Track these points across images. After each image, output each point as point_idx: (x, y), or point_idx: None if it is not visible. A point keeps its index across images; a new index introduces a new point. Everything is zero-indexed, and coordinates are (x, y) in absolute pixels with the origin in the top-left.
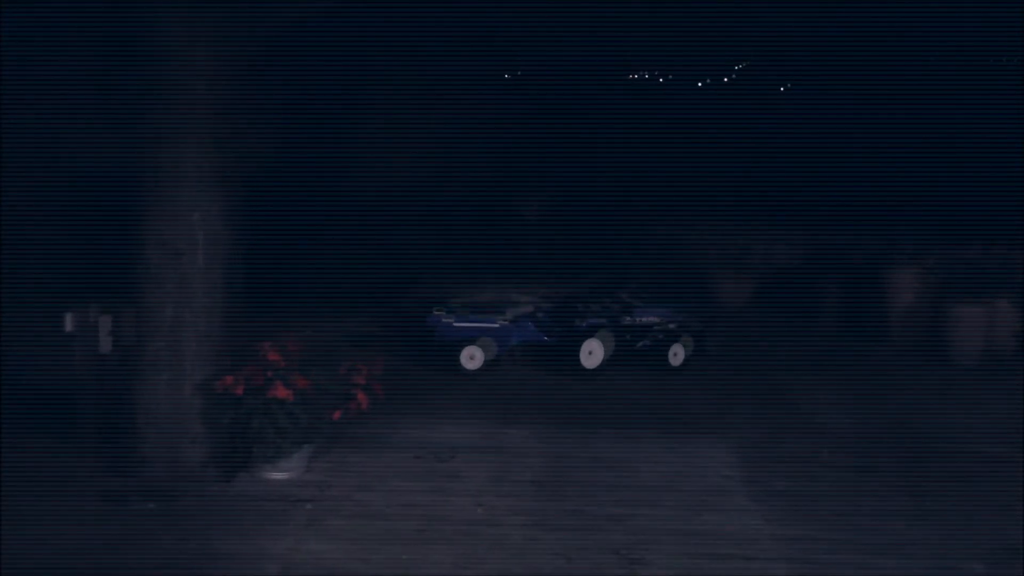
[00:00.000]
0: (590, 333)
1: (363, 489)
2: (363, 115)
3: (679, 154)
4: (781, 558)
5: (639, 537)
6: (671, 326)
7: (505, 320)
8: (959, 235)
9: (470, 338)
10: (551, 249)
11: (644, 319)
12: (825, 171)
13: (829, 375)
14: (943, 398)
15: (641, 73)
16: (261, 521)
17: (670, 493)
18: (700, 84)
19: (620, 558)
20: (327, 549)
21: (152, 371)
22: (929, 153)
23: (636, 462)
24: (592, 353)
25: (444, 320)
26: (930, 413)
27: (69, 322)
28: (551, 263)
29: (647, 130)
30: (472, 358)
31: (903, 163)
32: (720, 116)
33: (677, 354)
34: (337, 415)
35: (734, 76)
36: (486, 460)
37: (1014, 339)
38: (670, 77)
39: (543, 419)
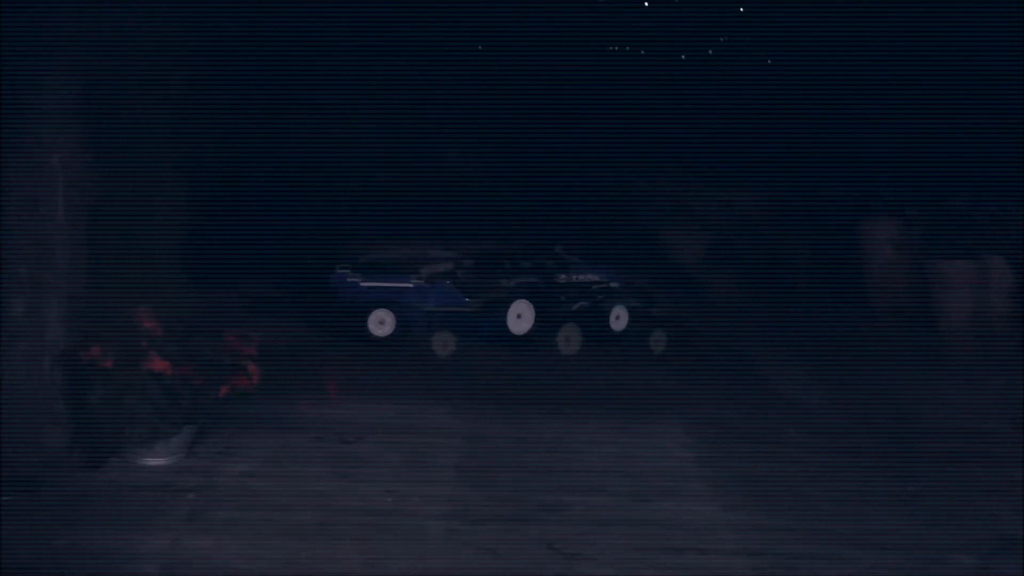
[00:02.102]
0: (519, 294)
1: (255, 476)
2: (267, 53)
3: (625, 95)
4: (742, 551)
5: (578, 528)
6: (613, 285)
7: (420, 280)
8: (944, 183)
9: (379, 300)
10: (475, 200)
11: (581, 277)
12: (791, 113)
13: (799, 343)
14: (928, 368)
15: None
16: (136, 514)
17: (615, 478)
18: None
19: (555, 552)
20: (213, 545)
21: (6, 341)
22: (907, 89)
23: (576, 443)
24: (521, 316)
25: (349, 280)
26: (913, 385)
27: None
28: (475, 216)
29: (586, 73)
30: (382, 323)
31: (878, 101)
32: (672, 56)
33: (620, 317)
34: (224, 391)
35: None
36: (399, 442)
37: (1008, 300)
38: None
39: (466, 394)
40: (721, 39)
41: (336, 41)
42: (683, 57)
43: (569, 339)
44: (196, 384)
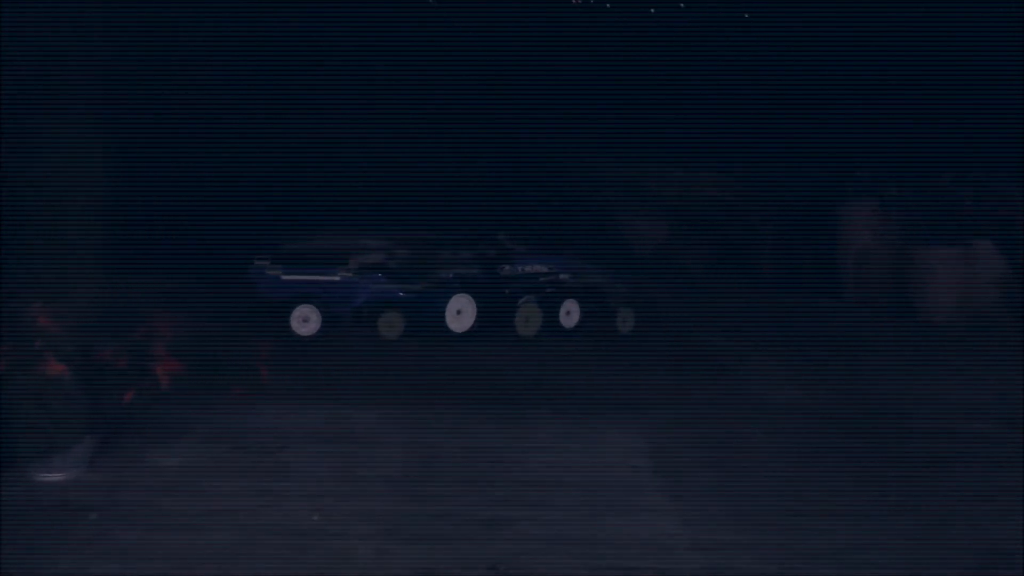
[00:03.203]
0: (459, 287)
1: (164, 492)
2: (175, 41)
3: (579, 70)
4: (703, 570)
5: (523, 547)
6: (563, 277)
7: (349, 272)
8: (926, 161)
9: (303, 295)
10: (410, 185)
11: (528, 269)
12: (760, 89)
13: (768, 337)
14: (910, 363)
15: None
16: (31, 537)
17: (564, 490)
18: None
19: (497, 575)
20: (118, 570)
21: None
22: (885, 65)
23: (523, 450)
24: (462, 312)
25: (269, 273)
26: (894, 382)
27: None
28: (410, 201)
29: (538, 41)
30: (306, 321)
31: (854, 74)
32: (632, 25)
33: (571, 312)
34: (130, 396)
35: None
36: (328, 451)
37: (997, 290)
38: None
39: (400, 398)
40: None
41: (252, 23)
42: (651, 11)
43: (529, 320)
44: (98, 388)
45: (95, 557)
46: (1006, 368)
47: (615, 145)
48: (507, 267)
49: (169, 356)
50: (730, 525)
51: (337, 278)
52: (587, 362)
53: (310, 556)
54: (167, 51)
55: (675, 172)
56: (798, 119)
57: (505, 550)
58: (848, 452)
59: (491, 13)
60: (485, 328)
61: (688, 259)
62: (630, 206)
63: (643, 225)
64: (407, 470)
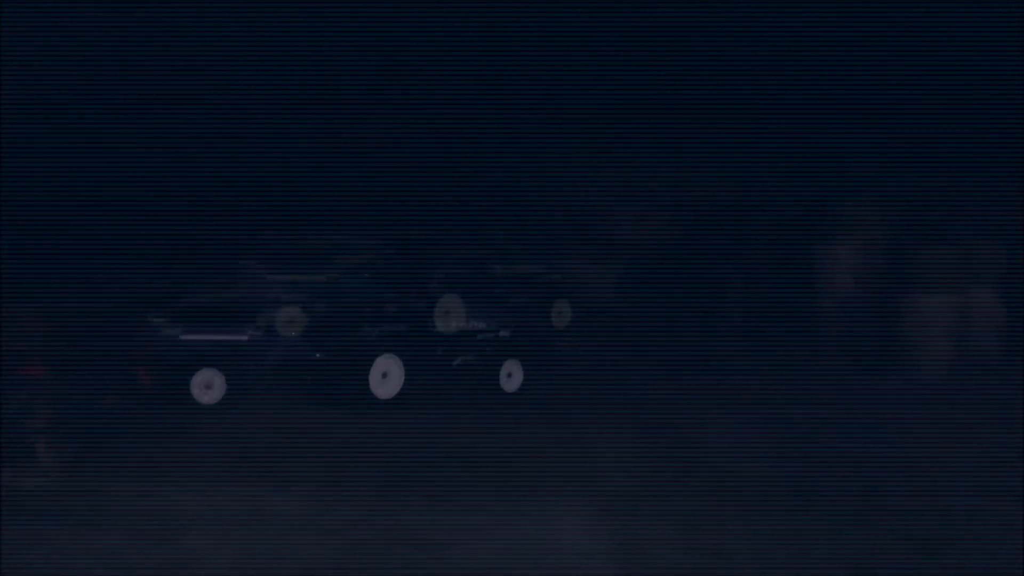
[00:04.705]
0: (384, 346)
1: None
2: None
3: (509, 77)
4: None
5: None
6: (503, 333)
7: (258, 329)
8: (920, 198)
9: (205, 357)
10: (326, 218)
11: (463, 324)
12: (736, 99)
13: (737, 396)
14: (899, 426)
15: None
16: None
17: None
18: None
19: None
20: None
21: None
22: (881, 70)
23: (457, 534)
24: (387, 376)
25: (166, 331)
26: (880, 448)
27: None
28: (324, 239)
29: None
30: (209, 387)
31: (839, 88)
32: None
33: (512, 374)
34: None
35: None
36: (231, 539)
37: (996, 340)
38: None
39: (318, 476)
40: None
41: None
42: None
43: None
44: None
45: None
46: (1005, 429)
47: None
48: (440, 321)
49: (53, 427)
50: None
51: (245, 336)
52: (531, 427)
53: None
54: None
55: (638, 201)
56: (776, 139)
57: None
58: (822, 533)
59: (470, 12)
60: (414, 393)
61: (643, 305)
62: (577, 244)
63: (593, 265)
64: (322, 560)
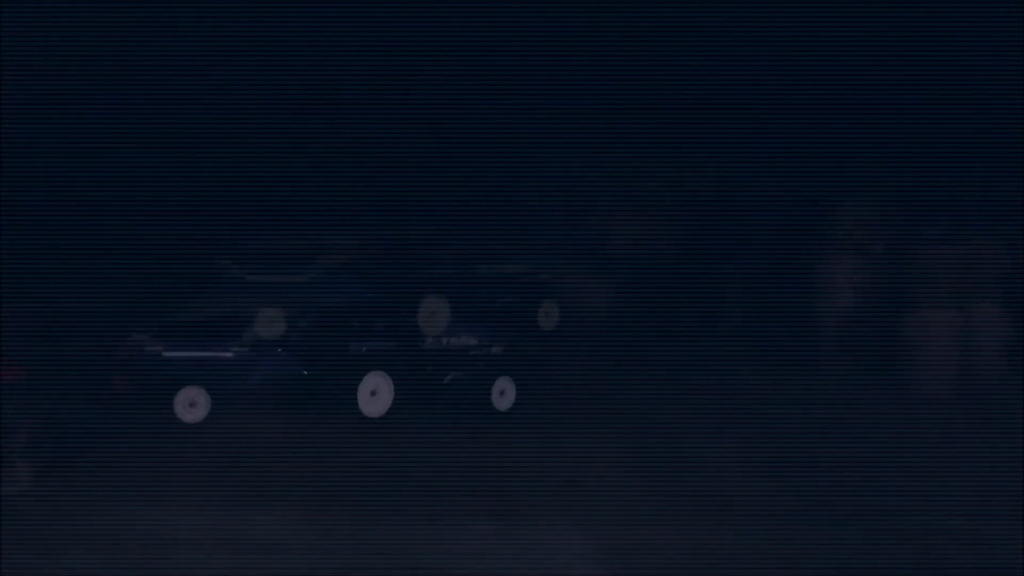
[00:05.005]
0: (373, 363)
1: None
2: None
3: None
4: None
5: None
6: (494, 350)
7: (243, 345)
8: (919, 207)
9: (189, 375)
10: (315, 222)
11: (454, 340)
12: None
13: (734, 411)
14: (901, 446)
15: None
16: None
17: None
18: None
19: None
20: None
21: None
22: (874, 86)
23: (446, 555)
24: (376, 393)
25: (149, 348)
26: (882, 469)
27: None
28: (305, 251)
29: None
30: (193, 405)
31: (834, 91)
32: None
33: (505, 392)
34: None
35: None
36: (214, 562)
37: (1002, 358)
38: None
39: (306, 496)
40: None
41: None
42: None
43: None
44: None
45: None
46: (1010, 450)
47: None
48: (430, 338)
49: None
50: None
51: (229, 353)
52: (524, 448)
53: None
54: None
55: (629, 216)
56: (768, 144)
57: None
58: (826, 559)
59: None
60: (404, 410)
61: (636, 320)
62: (570, 257)
63: (584, 279)
64: None
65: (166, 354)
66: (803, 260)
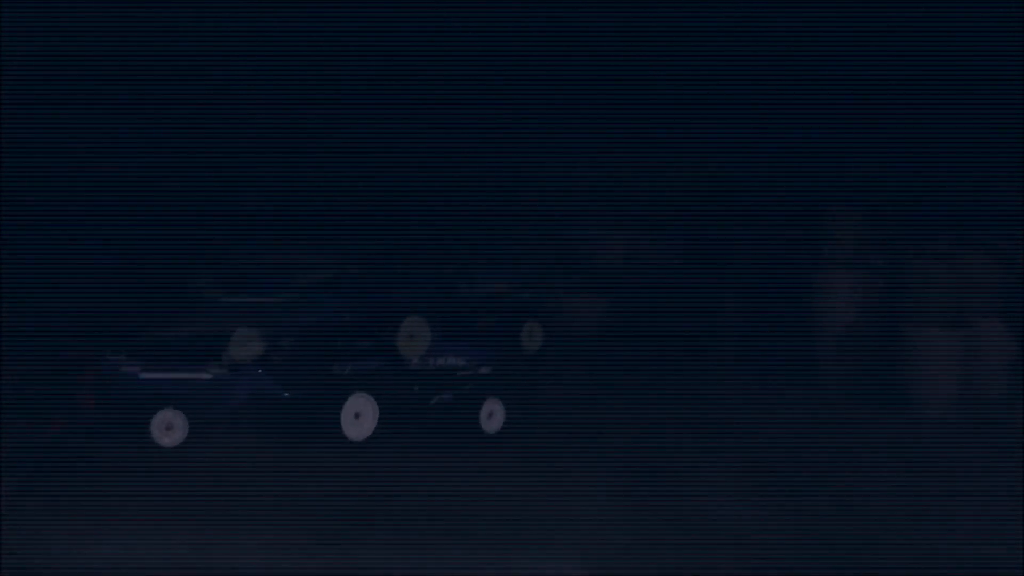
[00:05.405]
0: (356, 384)
1: None
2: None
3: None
4: None
5: None
6: (483, 371)
7: (222, 367)
8: (921, 223)
9: (166, 397)
10: (290, 246)
11: (441, 361)
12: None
13: (728, 435)
14: (899, 471)
15: None
16: None
17: None
18: None
19: None
20: None
21: None
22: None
23: None
24: (360, 415)
25: (125, 369)
26: (879, 494)
27: None
28: (292, 269)
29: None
30: (170, 428)
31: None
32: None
33: (494, 414)
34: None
35: None
36: None
37: (1005, 379)
38: None
39: (287, 522)
40: None
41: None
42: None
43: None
44: None
45: None
46: (1015, 475)
47: (546, 196)
48: (416, 358)
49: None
50: None
51: (207, 375)
52: (515, 475)
53: None
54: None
55: (621, 230)
56: (764, 169)
57: None
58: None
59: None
60: (389, 433)
61: (629, 341)
62: (562, 273)
63: (577, 298)
64: None
65: (142, 375)
66: (799, 277)
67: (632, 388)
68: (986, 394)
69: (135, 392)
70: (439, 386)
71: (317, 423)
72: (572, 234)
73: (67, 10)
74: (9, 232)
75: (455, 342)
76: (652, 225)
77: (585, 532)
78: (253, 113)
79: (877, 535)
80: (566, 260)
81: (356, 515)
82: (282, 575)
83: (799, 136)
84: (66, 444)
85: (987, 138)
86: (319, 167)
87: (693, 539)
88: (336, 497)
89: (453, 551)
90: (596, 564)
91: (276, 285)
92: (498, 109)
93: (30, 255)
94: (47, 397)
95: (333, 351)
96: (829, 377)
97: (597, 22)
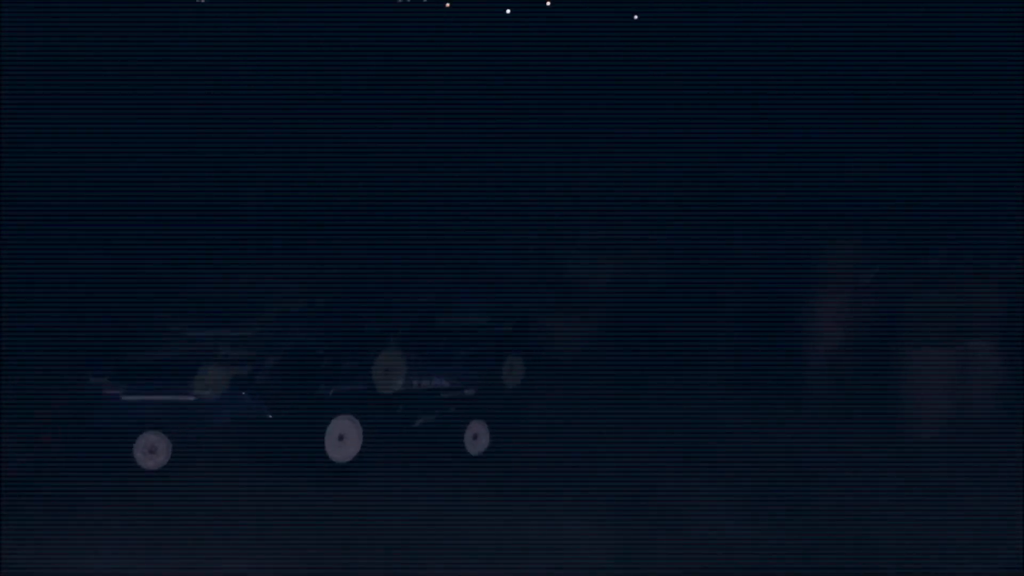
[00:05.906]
0: (341, 406)
1: None
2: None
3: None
4: None
5: None
6: (468, 392)
7: (206, 388)
8: (913, 237)
9: (149, 420)
10: (277, 266)
11: (426, 382)
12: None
13: (717, 461)
14: (893, 495)
15: None
16: None
17: None
18: None
19: None
20: None
21: None
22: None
23: None
24: (344, 438)
25: (108, 391)
26: (871, 519)
27: None
28: (276, 289)
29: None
30: (153, 451)
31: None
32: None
33: (479, 436)
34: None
35: None
36: None
37: (998, 399)
38: None
39: (271, 546)
40: None
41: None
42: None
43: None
44: None
45: None
46: (1012, 500)
47: (532, 215)
48: (401, 380)
49: None
50: None
51: (191, 397)
52: (496, 494)
53: None
54: None
55: (609, 248)
56: (753, 183)
57: None
58: None
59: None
60: (373, 456)
61: (615, 361)
62: (548, 294)
63: (563, 319)
64: None
65: (125, 398)
66: (795, 291)
67: (619, 409)
68: (986, 395)
69: (119, 415)
70: (424, 408)
71: (301, 445)
72: (562, 253)
73: (67, 10)
74: (9, 232)
75: (440, 364)
76: (643, 241)
77: (569, 554)
78: (254, 121)
79: (872, 551)
80: (554, 282)
81: (340, 537)
82: None
83: (799, 136)
84: (48, 466)
85: (987, 138)
86: (314, 182)
87: (678, 565)
88: (320, 519)
89: (437, 571)
90: None
91: (260, 309)
92: (498, 109)
93: (28, 258)
94: (35, 414)
95: (317, 373)
96: (823, 398)
97: (596, 23)
